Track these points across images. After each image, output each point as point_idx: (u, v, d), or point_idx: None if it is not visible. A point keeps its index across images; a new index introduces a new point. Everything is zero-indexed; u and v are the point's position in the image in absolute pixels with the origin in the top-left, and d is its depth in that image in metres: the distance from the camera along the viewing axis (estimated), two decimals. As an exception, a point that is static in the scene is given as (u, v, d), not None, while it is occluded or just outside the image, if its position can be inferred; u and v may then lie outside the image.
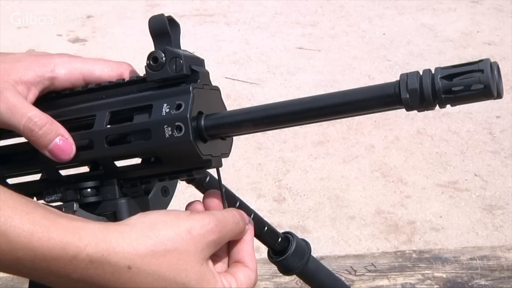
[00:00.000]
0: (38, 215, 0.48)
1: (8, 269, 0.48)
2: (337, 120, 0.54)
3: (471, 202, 2.54)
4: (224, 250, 0.58)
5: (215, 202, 0.59)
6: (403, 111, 0.50)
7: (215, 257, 0.57)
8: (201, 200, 0.61)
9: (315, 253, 0.79)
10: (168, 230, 0.52)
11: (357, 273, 1.14)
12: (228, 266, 0.58)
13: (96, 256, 0.48)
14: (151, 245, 0.50)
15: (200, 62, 0.58)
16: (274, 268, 0.77)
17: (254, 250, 0.59)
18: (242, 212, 0.59)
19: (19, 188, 0.61)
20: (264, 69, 3.77)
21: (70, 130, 0.57)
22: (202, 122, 0.55)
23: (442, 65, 0.48)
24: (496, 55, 3.73)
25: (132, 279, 0.49)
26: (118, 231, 0.50)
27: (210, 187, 0.69)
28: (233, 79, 3.62)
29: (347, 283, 1.03)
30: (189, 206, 0.60)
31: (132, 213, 0.58)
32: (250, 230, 0.59)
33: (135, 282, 0.50)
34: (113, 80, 0.60)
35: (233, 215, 0.57)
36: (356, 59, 3.84)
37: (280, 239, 0.75)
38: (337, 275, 0.88)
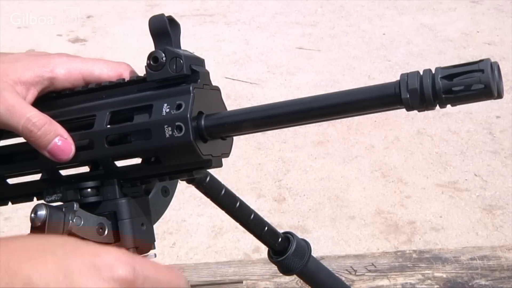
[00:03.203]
0: None
1: None
2: (337, 120, 0.54)
3: (471, 202, 2.54)
4: None
5: None
6: (403, 111, 0.50)
7: None
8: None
9: (315, 253, 0.79)
10: None
11: (357, 273, 1.14)
12: None
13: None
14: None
15: (200, 62, 0.58)
16: (274, 268, 0.77)
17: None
18: None
19: (19, 188, 0.61)
20: (264, 69, 3.78)
21: (70, 130, 0.57)
22: (202, 122, 0.55)
23: (442, 65, 0.48)
24: (496, 55, 3.73)
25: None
26: None
27: (210, 187, 0.69)
28: (233, 79, 3.62)
29: (347, 283, 1.03)
30: None
31: (132, 213, 0.58)
32: None
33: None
34: (113, 80, 0.60)
35: None
36: (356, 59, 3.84)
37: (280, 239, 0.75)
38: (337, 275, 0.88)
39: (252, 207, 0.74)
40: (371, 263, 1.16)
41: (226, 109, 0.59)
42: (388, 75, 3.57)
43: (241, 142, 2.87)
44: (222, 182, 0.71)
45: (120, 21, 4.47)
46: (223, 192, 0.70)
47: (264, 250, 0.77)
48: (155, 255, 0.59)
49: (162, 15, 0.57)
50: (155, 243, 0.60)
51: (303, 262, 0.75)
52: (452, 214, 2.48)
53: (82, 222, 0.54)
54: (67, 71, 0.60)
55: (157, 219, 0.62)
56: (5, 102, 0.55)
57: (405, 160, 2.84)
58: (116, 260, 0.45)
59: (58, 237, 0.49)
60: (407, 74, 0.48)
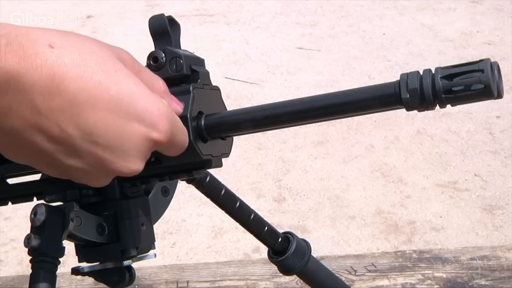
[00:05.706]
0: None
1: None
2: (337, 120, 0.54)
3: (471, 202, 2.54)
4: None
5: None
6: (403, 111, 0.50)
7: None
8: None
9: (315, 253, 0.79)
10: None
11: (357, 273, 1.14)
12: None
13: (10, 36, 0.40)
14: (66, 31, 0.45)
15: (200, 62, 0.58)
16: (274, 268, 0.77)
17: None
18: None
19: (19, 188, 0.61)
20: (264, 69, 3.78)
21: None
22: (202, 122, 0.55)
23: (442, 65, 0.48)
24: (496, 55, 3.73)
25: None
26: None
27: (210, 187, 0.69)
28: (233, 79, 3.62)
29: (347, 283, 1.03)
30: None
31: (132, 213, 0.58)
32: None
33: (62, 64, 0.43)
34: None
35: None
36: (356, 59, 3.84)
37: (280, 239, 0.75)
38: (337, 275, 0.88)
39: (252, 207, 0.74)
40: (371, 263, 1.16)
41: (226, 109, 0.59)
42: (388, 75, 3.57)
43: (241, 142, 2.87)
44: (222, 182, 0.71)
45: (120, 21, 4.47)
46: (223, 192, 0.70)
47: (264, 250, 0.77)
48: (155, 255, 0.59)
49: (162, 15, 0.57)
50: (155, 243, 0.60)
51: (303, 262, 0.75)
52: (452, 214, 2.48)
53: (82, 222, 0.54)
54: None
55: (157, 219, 0.62)
56: None
57: (405, 160, 2.84)
58: (159, 117, 0.47)
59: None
60: (407, 74, 0.48)
